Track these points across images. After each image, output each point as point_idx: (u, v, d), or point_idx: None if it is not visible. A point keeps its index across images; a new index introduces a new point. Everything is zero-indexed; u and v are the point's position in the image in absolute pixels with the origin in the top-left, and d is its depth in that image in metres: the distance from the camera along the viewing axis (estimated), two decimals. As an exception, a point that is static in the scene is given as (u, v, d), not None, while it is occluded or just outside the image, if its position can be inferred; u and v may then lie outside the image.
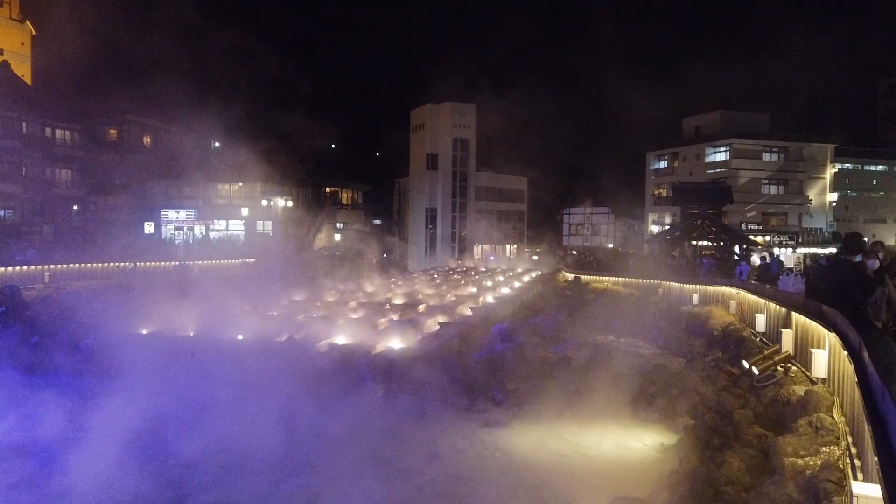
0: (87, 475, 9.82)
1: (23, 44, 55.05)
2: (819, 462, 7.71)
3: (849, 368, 8.10)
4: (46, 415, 12.80)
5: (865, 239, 12.30)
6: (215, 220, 55.13)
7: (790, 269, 23.15)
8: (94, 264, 30.63)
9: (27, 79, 53.66)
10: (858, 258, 11.54)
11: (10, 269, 26.00)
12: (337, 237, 59.96)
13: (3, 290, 22.47)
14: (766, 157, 53.67)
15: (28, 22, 55.27)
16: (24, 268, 26.69)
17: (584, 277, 36.44)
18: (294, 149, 54.41)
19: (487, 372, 14.75)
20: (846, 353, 8.43)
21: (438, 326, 19.59)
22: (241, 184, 55.21)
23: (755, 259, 32.75)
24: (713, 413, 11.89)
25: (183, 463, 10.49)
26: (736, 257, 33.65)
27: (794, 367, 12.43)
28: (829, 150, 54.10)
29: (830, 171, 54.47)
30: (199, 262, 37.08)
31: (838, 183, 55.70)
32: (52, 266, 28.21)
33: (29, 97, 47.77)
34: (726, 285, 22.80)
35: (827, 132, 54.97)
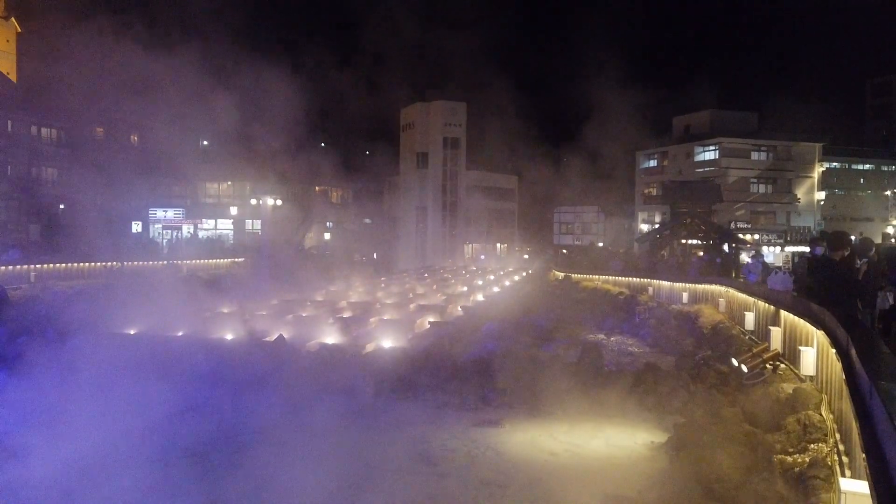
0: (73, 474, 9.73)
1: (8, 41, 54.45)
2: (807, 459, 7.74)
3: (837, 366, 8.13)
4: (33, 414, 12.67)
5: (853, 237, 12.39)
6: (204, 220, 54.82)
7: (779, 268, 23.26)
8: (81, 264, 30.37)
9: (12, 76, 53.09)
10: (819, 251, 11.60)
11: (-5, 268, 25.79)
12: (327, 236, 59.77)
13: (-11, 291, 22.24)
14: (754, 155, 54.01)
15: (13, 19, 54.68)
16: (10, 267, 26.42)
17: (575, 276, 36.53)
18: (283, 147, 54.10)
19: (478, 371, 14.73)
20: (834, 350, 8.47)
21: (429, 326, 19.56)
22: (229, 182, 54.93)
23: (744, 257, 32.89)
24: (703, 411, 11.93)
25: (168, 462, 10.40)
26: (748, 257, 33.49)
27: (782, 365, 12.49)
28: (816, 148, 54.50)
29: (818, 169, 54.88)
30: (188, 262, 36.87)
31: (826, 181, 56.11)
32: (37, 266, 27.94)
33: (14, 95, 47.26)
34: (716, 283, 22.91)
35: (815, 131, 55.39)
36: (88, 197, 51.41)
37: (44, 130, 48.87)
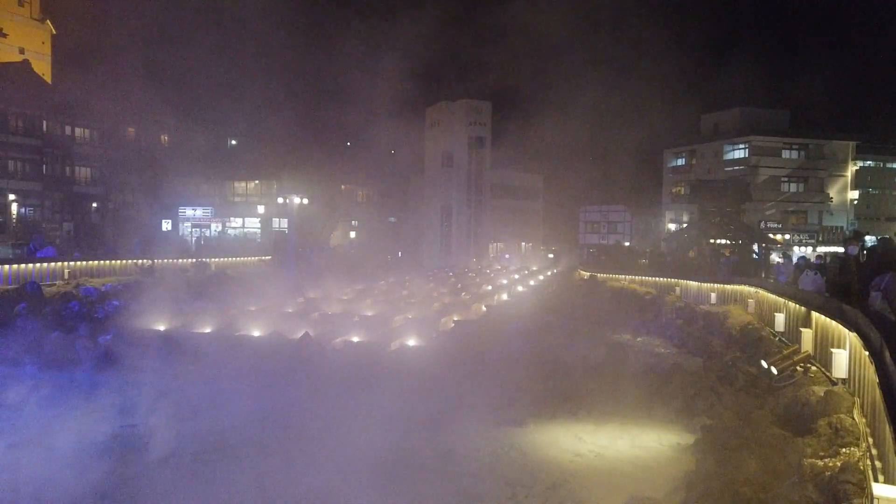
0: (99, 467, 9.93)
1: (43, 43, 55.72)
2: (839, 463, 7.59)
3: (870, 369, 7.97)
4: (66, 409, 12.97)
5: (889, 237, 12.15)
6: (232, 218, 55.59)
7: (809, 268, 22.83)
8: (113, 261, 30.95)
9: (47, 78, 54.30)
10: (853, 251, 11.47)
11: (30, 265, 26.37)
12: (352, 234, 60.15)
13: (24, 287, 22.79)
14: (785, 154, 53.04)
15: (48, 21, 55.94)
16: (44, 264, 27.02)
17: (600, 276, 36.29)
18: (309, 146, 54.63)
19: (502, 370, 14.71)
20: (867, 353, 8.30)
21: (454, 324, 19.58)
22: (257, 181, 55.62)
23: (774, 257, 32.36)
24: (731, 413, 11.77)
25: (197, 459, 10.56)
26: (777, 257, 32.98)
27: (813, 368, 12.29)
28: (850, 147, 53.33)
29: (852, 168, 53.69)
30: (216, 260, 37.36)
31: (860, 181, 54.86)
32: (71, 263, 28.53)
33: (49, 96, 48.35)
34: (745, 284, 22.57)
35: (848, 129, 54.21)
36: (120, 196, 52.52)
37: (77, 130, 49.92)
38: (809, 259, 23.73)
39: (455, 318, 20.35)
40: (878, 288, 11.41)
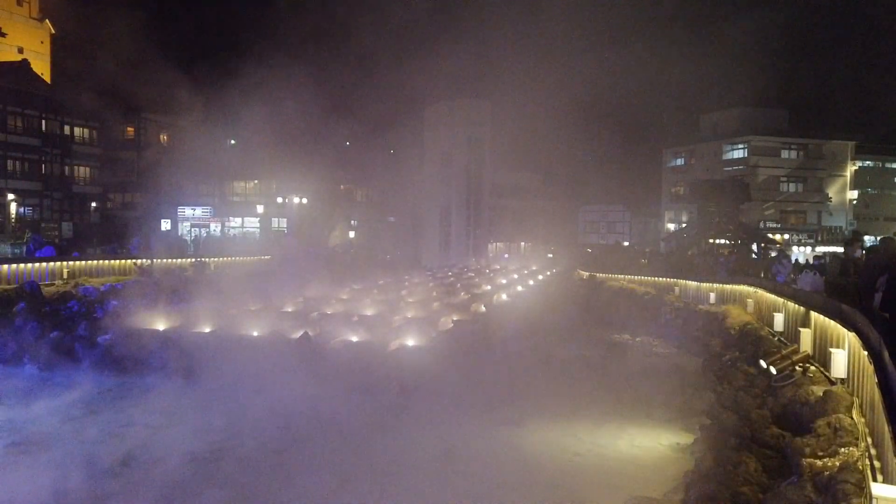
0: (97, 469, 9.93)
1: (42, 42, 55.67)
2: (838, 463, 7.60)
3: (869, 369, 7.97)
4: (65, 409, 12.97)
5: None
6: (231, 218, 55.60)
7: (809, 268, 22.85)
8: (112, 261, 30.91)
9: (46, 77, 54.26)
10: (858, 254, 11.50)
11: (29, 265, 26.33)
12: (351, 234, 60.16)
13: (23, 286, 22.77)
14: (784, 154, 53.15)
15: (47, 21, 55.89)
16: (43, 264, 26.99)
17: (600, 275, 36.32)
18: (309, 146, 54.62)
19: (502, 370, 14.71)
20: (866, 353, 8.31)
21: (453, 324, 19.57)
22: (256, 181, 55.66)
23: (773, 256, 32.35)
24: (730, 413, 11.76)
25: (194, 460, 10.56)
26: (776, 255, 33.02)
27: (812, 367, 12.29)
28: (849, 147, 53.42)
29: (851, 168, 53.78)
30: (215, 259, 37.33)
31: (859, 181, 54.94)
32: (70, 262, 28.49)
33: (48, 96, 48.31)
34: (744, 284, 22.59)
35: (847, 129, 54.31)
36: (120, 195, 52.52)
37: (76, 130, 49.89)
38: (820, 258, 23.75)
39: (454, 318, 20.32)
40: (881, 289, 11.38)
